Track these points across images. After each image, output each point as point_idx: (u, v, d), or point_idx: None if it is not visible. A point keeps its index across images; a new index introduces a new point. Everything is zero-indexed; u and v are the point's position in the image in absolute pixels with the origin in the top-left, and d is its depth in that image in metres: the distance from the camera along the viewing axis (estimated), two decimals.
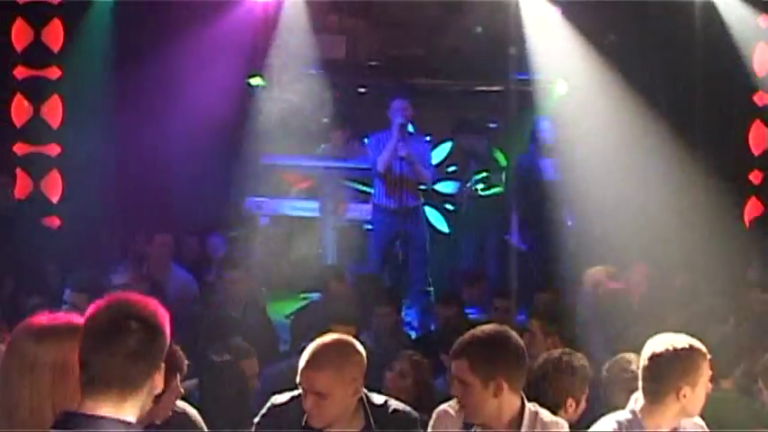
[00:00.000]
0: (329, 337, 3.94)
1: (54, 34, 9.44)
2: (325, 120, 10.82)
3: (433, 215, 10.61)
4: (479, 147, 10.39)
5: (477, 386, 3.70)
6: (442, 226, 10.76)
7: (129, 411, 2.61)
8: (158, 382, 2.67)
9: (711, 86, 9.62)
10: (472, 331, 3.99)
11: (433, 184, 9.56)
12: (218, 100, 10.27)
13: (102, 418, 2.56)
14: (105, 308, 2.63)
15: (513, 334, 4.04)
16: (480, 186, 10.39)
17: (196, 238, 9.32)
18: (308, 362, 3.76)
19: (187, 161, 10.31)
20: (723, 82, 9.61)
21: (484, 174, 10.35)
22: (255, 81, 10.92)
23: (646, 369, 3.88)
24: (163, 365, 2.67)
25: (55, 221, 9.46)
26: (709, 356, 3.89)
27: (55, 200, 9.56)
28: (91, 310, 2.64)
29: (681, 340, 3.86)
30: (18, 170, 9.50)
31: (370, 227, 9.69)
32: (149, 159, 9.77)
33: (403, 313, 8.93)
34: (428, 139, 9.79)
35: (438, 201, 10.82)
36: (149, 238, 8.42)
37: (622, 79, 10.13)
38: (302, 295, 9.01)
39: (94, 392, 2.59)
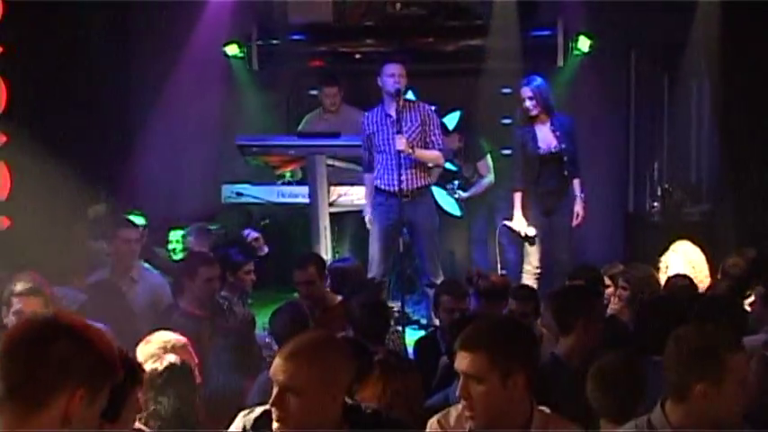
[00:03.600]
0: (313, 332, 3.90)
1: None
2: (314, 92, 10.90)
3: (442, 197, 10.63)
4: (450, 143, 10.31)
5: (494, 383, 3.61)
6: (453, 209, 10.60)
7: None
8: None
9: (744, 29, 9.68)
10: (486, 320, 3.92)
11: (447, 160, 9.51)
12: (189, 71, 10.52)
13: None
14: None
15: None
16: (460, 192, 10.47)
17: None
18: (281, 352, 3.64)
19: (156, 144, 10.57)
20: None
21: (456, 179, 10.52)
22: (232, 50, 10.99)
23: (665, 360, 3.72)
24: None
25: (4, 222, 9.30)
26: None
27: (3, 197, 9.37)
28: None
29: (701, 330, 3.71)
30: None
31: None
32: (110, 142, 9.78)
33: (410, 310, 9.15)
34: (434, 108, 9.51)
35: (446, 181, 10.69)
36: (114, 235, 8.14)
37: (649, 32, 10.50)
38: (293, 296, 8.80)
39: None
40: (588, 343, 5.37)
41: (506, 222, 9.30)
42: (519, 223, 9.15)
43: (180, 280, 7.28)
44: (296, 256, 8.14)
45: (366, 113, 8.96)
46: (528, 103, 9.02)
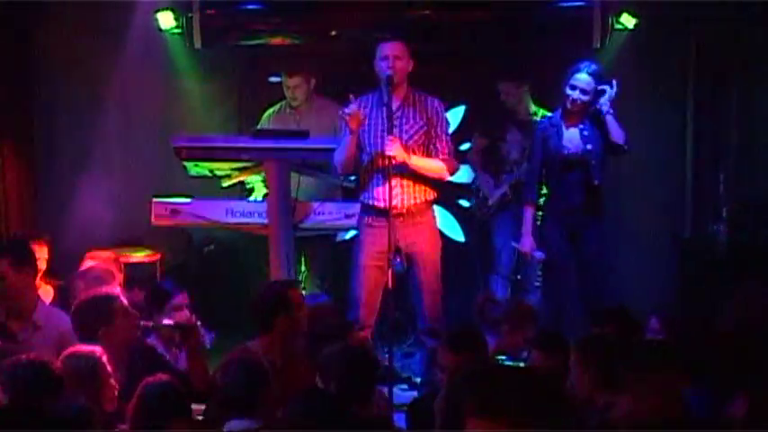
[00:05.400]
0: None
1: None
2: (274, 79, 10.73)
3: (442, 217, 10.48)
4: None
5: None
6: (456, 233, 10.58)
7: None
8: None
9: None
10: (503, 377, 3.79)
11: (453, 174, 9.20)
12: (110, 50, 10.49)
13: None
14: None
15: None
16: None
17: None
18: None
19: (65, 146, 10.72)
20: None
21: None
22: (166, 21, 10.71)
23: None
24: None
25: None
26: None
27: None
28: None
29: None
30: None
31: (348, 236, 9.57)
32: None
33: (399, 365, 9.34)
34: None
35: (449, 196, 10.64)
36: None
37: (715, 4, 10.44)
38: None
39: None
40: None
41: (514, 244, 9.32)
42: (527, 243, 9.12)
43: (91, 330, 7.04)
44: (249, 293, 8.16)
45: (358, 97, 8.66)
46: (577, 95, 8.89)
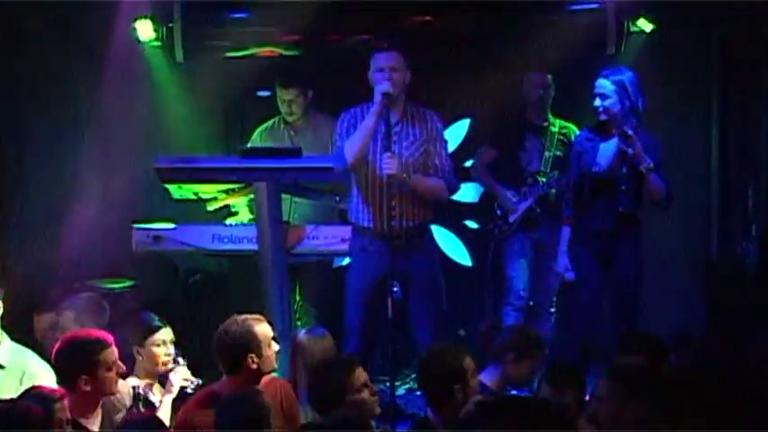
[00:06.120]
0: None
1: None
2: (263, 93, 10.75)
3: (446, 240, 10.50)
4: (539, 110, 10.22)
5: None
6: (462, 257, 10.53)
7: None
8: None
9: None
10: (510, 413, 3.96)
11: (453, 192, 9.20)
12: (86, 64, 10.41)
13: None
14: None
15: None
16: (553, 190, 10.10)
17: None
18: None
19: (37, 168, 10.72)
20: None
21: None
22: (145, 32, 10.58)
23: None
24: None
25: None
26: None
27: None
28: None
29: None
30: None
31: (345, 262, 9.52)
32: None
33: (401, 400, 9.14)
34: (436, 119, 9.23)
35: (454, 216, 10.64)
36: None
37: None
38: None
39: None
40: None
41: (557, 269, 9.23)
42: (562, 263, 9.05)
43: (71, 376, 6.89)
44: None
45: (349, 110, 8.67)
46: (598, 103, 8.81)
